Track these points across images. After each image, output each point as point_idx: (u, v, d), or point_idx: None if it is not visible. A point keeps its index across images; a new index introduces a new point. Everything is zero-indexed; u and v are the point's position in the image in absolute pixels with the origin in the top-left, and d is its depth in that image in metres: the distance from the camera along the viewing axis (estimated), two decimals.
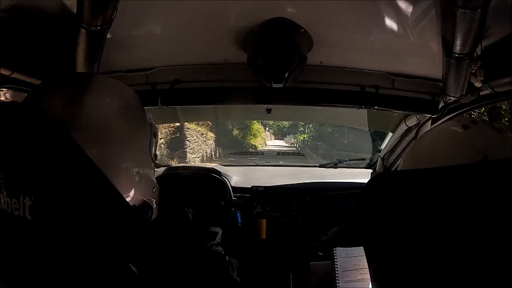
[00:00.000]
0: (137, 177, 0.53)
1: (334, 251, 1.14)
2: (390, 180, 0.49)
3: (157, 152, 0.63)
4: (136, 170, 0.53)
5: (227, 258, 1.07)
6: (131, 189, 0.53)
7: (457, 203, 0.39)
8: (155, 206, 0.57)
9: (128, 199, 0.50)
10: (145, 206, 0.55)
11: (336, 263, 1.12)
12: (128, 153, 0.52)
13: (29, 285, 0.39)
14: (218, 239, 1.18)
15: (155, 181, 0.60)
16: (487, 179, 0.40)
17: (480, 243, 0.38)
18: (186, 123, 8.08)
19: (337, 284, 1.09)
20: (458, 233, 0.39)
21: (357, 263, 1.10)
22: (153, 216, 0.57)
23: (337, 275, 1.10)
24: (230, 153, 11.08)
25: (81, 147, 0.40)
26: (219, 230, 1.20)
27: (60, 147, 0.40)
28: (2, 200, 0.41)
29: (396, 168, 1.77)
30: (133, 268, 0.39)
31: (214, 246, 1.10)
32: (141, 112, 0.57)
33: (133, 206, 0.53)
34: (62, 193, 0.38)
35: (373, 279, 0.47)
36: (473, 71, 0.92)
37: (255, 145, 16.61)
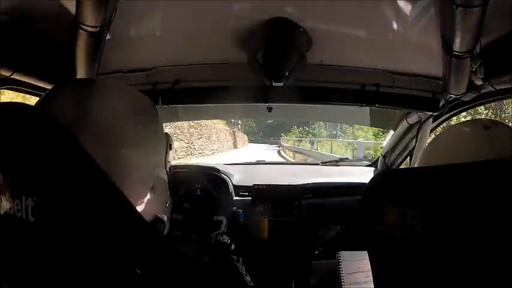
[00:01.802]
0: (152, 191, 0.51)
1: (339, 255, 1.14)
2: (393, 178, 0.48)
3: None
4: (152, 184, 0.51)
5: (232, 247, 1.01)
6: (145, 203, 0.50)
7: (465, 202, 0.39)
8: (167, 219, 0.55)
9: (140, 213, 0.49)
10: (157, 221, 0.52)
11: (340, 266, 1.12)
12: (143, 164, 0.50)
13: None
14: (223, 227, 1.11)
15: (169, 195, 0.58)
16: (495, 178, 0.39)
17: (487, 244, 0.38)
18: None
19: (343, 285, 1.10)
20: (466, 233, 0.39)
21: (361, 265, 1.11)
22: (165, 231, 0.54)
23: (342, 278, 1.11)
24: None
25: (89, 153, 0.39)
26: (223, 219, 1.14)
27: (67, 151, 0.40)
28: (4, 202, 0.41)
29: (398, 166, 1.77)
30: (137, 271, 0.39)
31: (219, 236, 1.03)
32: (156, 121, 0.54)
33: (146, 221, 0.51)
34: (69, 199, 0.38)
35: (376, 280, 0.47)
36: (473, 69, 0.92)
37: None
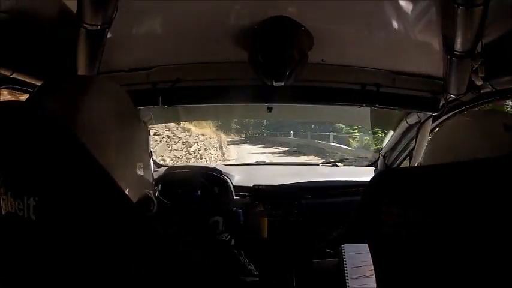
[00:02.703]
0: (140, 173, 0.56)
1: (343, 248, 1.14)
2: (392, 178, 0.48)
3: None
4: (140, 165, 0.56)
5: (232, 242, 1.07)
6: (136, 184, 0.55)
7: (464, 201, 0.39)
8: (153, 195, 0.60)
9: (133, 195, 0.51)
10: (148, 200, 0.57)
11: (344, 259, 1.12)
12: (130, 151, 0.54)
13: (32, 286, 0.39)
14: (221, 227, 1.16)
15: (153, 173, 0.62)
16: (493, 175, 0.39)
17: (486, 242, 0.38)
18: None
19: (347, 281, 1.10)
20: (465, 232, 0.39)
21: (365, 259, 1.10)
22: (155, 209, 0.58)
23: (346, 271, 1.11)
24: None
25: (84, 146, 0.40)
26: (220, 219, 1.19)
27: (64, 148, 0.40)
28: (7, 201, 0.41)
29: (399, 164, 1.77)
30: (137, 268, 0.39)
31: (217, 235, 1.10)
32: (135, 111, 0.59)
33: (138, 201, 0.54)
34: (67, 193, 0.38)
35: (377, 277, 0.47)
36: (473, 69, 0.92)
37: None
